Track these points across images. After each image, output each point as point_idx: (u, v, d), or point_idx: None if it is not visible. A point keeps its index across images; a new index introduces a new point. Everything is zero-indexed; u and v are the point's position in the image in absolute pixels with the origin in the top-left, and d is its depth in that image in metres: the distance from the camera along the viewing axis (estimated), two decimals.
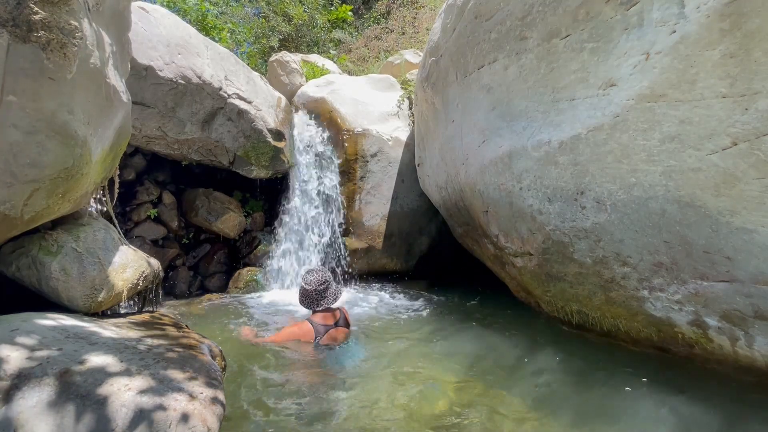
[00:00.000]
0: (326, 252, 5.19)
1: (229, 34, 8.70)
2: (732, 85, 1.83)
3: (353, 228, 5.25)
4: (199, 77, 4.21)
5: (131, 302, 2.46)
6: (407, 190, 5.39)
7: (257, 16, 9.50)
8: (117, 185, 2.75)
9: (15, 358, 1.36)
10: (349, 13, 10.06)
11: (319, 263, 5.13)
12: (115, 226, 2.60)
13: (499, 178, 3.05)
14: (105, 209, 2.67)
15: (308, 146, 5.39)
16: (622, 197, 2.28)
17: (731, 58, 1.82)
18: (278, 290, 4.85)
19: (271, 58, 6.41)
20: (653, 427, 1.83)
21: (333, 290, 2.70)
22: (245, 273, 4.90)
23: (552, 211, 2.68)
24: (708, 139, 1.92)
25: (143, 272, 2.39)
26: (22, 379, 1.29)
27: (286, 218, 5.27)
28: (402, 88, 6.15)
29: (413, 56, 6.97)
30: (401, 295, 4.50)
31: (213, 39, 7.41)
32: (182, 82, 4.10)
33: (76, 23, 1.66)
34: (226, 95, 4.43)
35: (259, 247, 5.19)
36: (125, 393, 1.33)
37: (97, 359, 1.46)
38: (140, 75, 3.87)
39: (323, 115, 5.57)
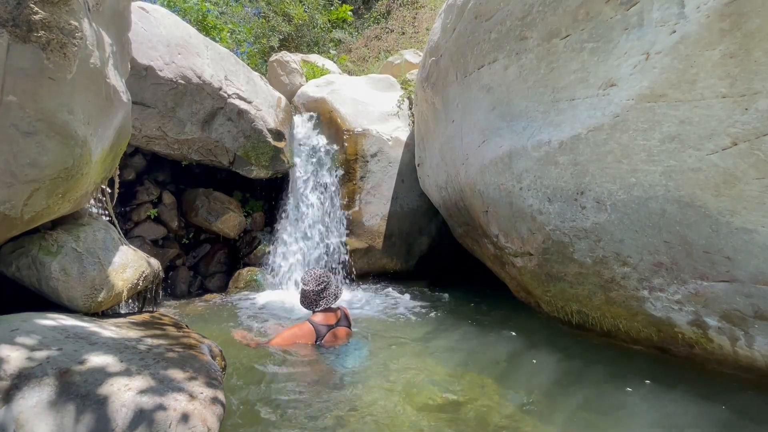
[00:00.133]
0: (326, 252, 5.19)
1: (229, 34, 8.70)
2: (732, 85, 1.83)
3: (353, 228, 5.25)
4: (199, 77, 4.21)
5: (131, 302, 2.46)
6: (407, 190, 5.39)
7: (257, 16, 9.50)
8: (117, 185, 2.75)
9: (15, 358, 1.36)
10: (349, 13, 10.06)
11: (319, 264, 5.13)
12: (115, 226, 2.60)
13: (499, 178, 3.05)
14: (105, 209, 2.67)
15: (308, 146, 5.39)
16: (622, 197, 2.28)
17: (731, 58, 1.82)
18: (278, 290, 4.85)
19: (271, 58, 6.41)
20: (653, 426, 1.83)
21: (332, 290, 2.70)
22: (245, 273, 4.90)
23: (552, 211, 2.68)
24: (708, 139, 1.92)
25: (143, 272, 2.39)
26: (22, 379, 1.29)
27: (285, 218, 5.27)
28: (402, 88, 6.15)
29: (413, 56, 6.97)
30: (401, 295, 4.50)
31: (213, 39, 7.41)
32: (182, 82, 4.10)
33: (76, 23, 1.66)
34: (226, 95, 4.43)
35: (259, 247, 5.20)
36: (125, 393, 1.33)
37: (97, 359, 1.46)
38: (140, 75, 3.87)
39: (323, 115, 5.57)
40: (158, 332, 1.97)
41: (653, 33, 2.07)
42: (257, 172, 4.97)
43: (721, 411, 1.88)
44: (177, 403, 1.35)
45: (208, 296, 4.60)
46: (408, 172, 5.40)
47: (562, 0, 2.47)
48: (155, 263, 2.62)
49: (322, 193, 5.30)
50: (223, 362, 2.05)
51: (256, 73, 5.24)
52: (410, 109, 5.83)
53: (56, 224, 2.20)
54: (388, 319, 3.55)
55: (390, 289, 4.88)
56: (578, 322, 2.94)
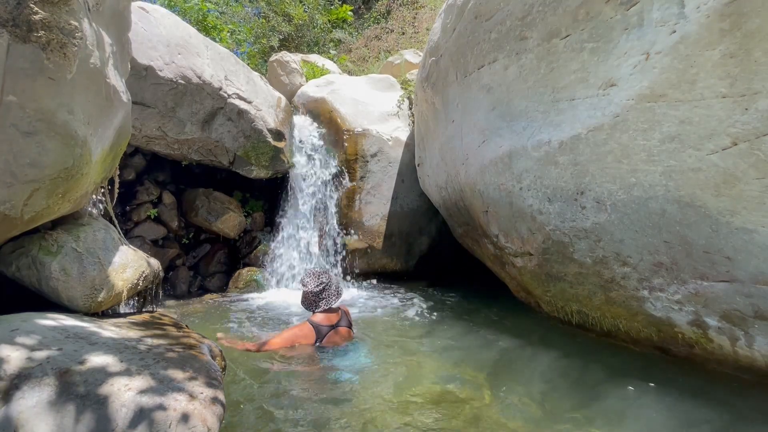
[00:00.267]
0: (326, 252, 5.19)
1: (229, 34, 8.70)
2: (732, 85, 1.83)
3: (353, 228, 5.25)
4: (199, 77, 4.21)
5: (131, 302, 2.46)
6: (407, 190, 5.39)
7: (257, 16, 9.50)
8: (117, 185, 2.75)
9: (15, 358, 1.35)
10: (350, 13, 10.05)
11: (319, 264, 5.13)
12: (115, 226, 2.60)
13: (499, 178, 3.05)
14: (105, 209, 2.67)
15: (308, 146, 5.39)
16: (622, 197, 2.28)
17: (731, 58, 1.82)
18: (278, 290, 4.85)
19: (271, 58, 6.41)
20: (653, 426, 1.83)
21: (332, 291, 2.69)
22: (245, 273, 4.90)
23: (552, 211, 2.68)
24: (708, 139, 1.92)
25: (143, 272, 2.39)
26: (22, 379, 1.29)
27: (285, 218, 5.27)
28: (402, 88, 6.15)
29: (413, 56, 6.97)
30: (401, 295, 4.50)
31: (213, 39, 7.41)
32: (182, 82, 4.10)
33: (76, 23, 1.66)
34: (226, 95, 4.43)
35: (259, 247, 5.20)
36: (125, 393, 1.33)
37: (97, 359, 1.46)
38: (140, 75, 3.87)
39: (323, 115, 5.57)
40: (158, 332, 1.97)
41: (653, 33, 2.07)
42: (257, 172, 4.97)
43: (721, 411, 1.88)
44: (177, 403, 1.35)
45: (208, 296, 4.60)
46: (408, 172, 5.40)
47: (562, 0, 2.47)
48: (155, 263, 2.62)
49: (321, 193, 5.30)
50: (223, 362, 2.05)
51: (256, 73, 5.24)
52: (410, 109, 5.83)
53: (56, 224, 2.20)
54: (387, 319, 3.55)
55: (390, 289, 4.88)
56: (578, 322, 2.94)
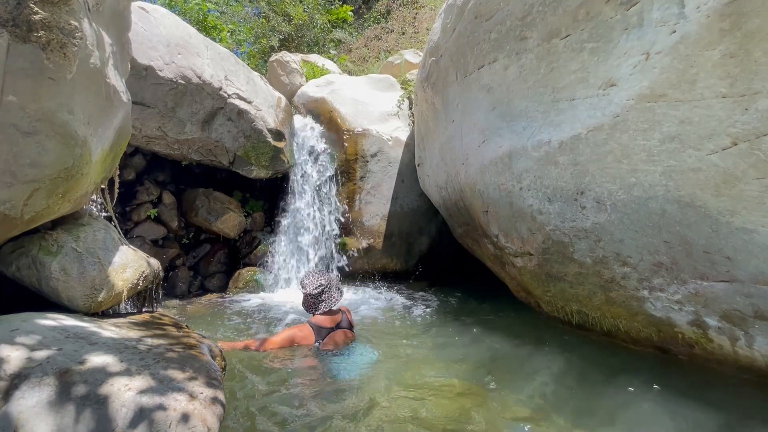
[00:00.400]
0: (326, 252, 5.19)
1: (229, 34, 8.70)
2: (732, 85, 1.83)
3: (353, 228, 5.25)
4: (199, 77, 4.21)
5: (131, 302, 2.46)
6: (407, 190, 5.39)
7: (257, 16, 9.51)
8: (117, 185, 2.75)
9: (15, 358, 1.36)
10: (350, 13, 10.05)
11: (319, 264, 5.13)
12: (115, 226, 2.60)
13: (499, 178, 3.05)
14: (105, 209, 2.67)
15: (308, 146, 5.39)
16: (622, 197, 2.28)
17: (731, 58, 1.82)
18: (278, 290, 4.85)
19: (271, 58, 6.41)
20: (653, 426, 1.83)
21: (331, 293, 2.68)
22: (245, 273, 4.90)
23: (552, 211, 2.68)
24: (708, 139, 1.92)
25: (143, 272, 2.39)
26: (22, 379, 1.29)
27: (285, 218, 5.27)
28: (402, 88, 6.16)
29: (413, 56, 6.97)
30: (401, 296, 4.50)
31: (213, 39, 7.41)
32: (182, 82, 4.10)
33: (76, 23, 1.66)
34: (226, 95, 4.43)
35: (259, 247, 5.20)
36: (125, 393, 1.33)
37: (97, 359, 1.46)
38: (140, 75, 3.87)
39: (323, 115, 5.57)
40: (158, 332, 1.97)
41: (653, 33, 2.07)
42: (257, 172, 4.98)
43: (721, 411, 1.88)
44: (177, 403, 1.35)
45: (208, 296, 4.60)
46: (408, 172, 5.40)
47: (562, 0, 2.47)
48: (155, 263, 2.62)
49: (321, 193, 5.30)
50: (223, 362, 2.05)
51: (256, 73, 5.24)
52: (410, 109, 5.83)
53: (56, 224, 2.20)
54: (387, 320, 3.55)
55: (390, 289, 4.89)
56: (578, 322, 2.94)
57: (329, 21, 9.61)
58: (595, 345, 2.74)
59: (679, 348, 2.39)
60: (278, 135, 4.98)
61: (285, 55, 6.36)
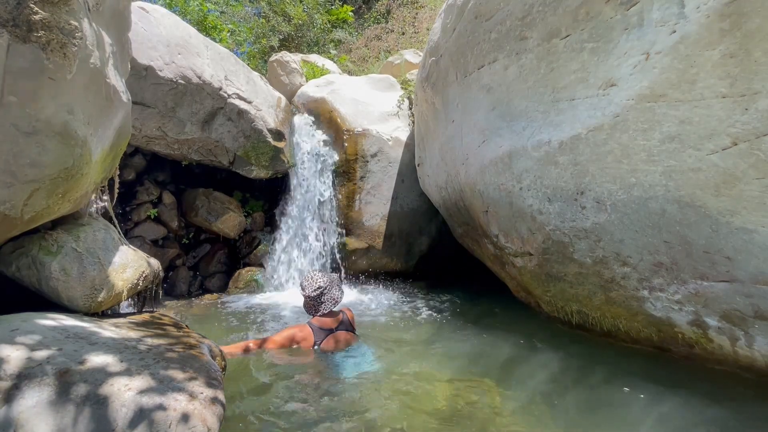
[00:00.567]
0: (326, 252, 5.19)
1: (229, 34, 8.70)
2: (732, 85, 1.83)
3: (353, 228, 5.25)
4: (199, 77, 4.21)
5: (131, 302, 2.46)
6: (407, 190, 5.39)
7: (257, 15, 9.51)
8: (117, 185, 2.75)
9: (15, 358, 1.36)
10: (350, 13, 10.05)
11: (319, 264, 5.13)
12: (115, 226, 2.60)
13: (499, 178, 3.05)
14: (105, 209, 2.67)
15: (308, 146, 5.39)
16: (622, 197, 2.28)
17: (731, 58, 1.82)
18: (278, 290, 4.85)
19: (271, 58, 6.41)
20: (653, 426, 1.83)
21: (331, 295, 2.67)
22: (245, 273, 4.90)
23: (552, 211, 2.68)
24: (708, 139, 1.92)
25: (143, 272, 2.39)
26: (22, 379, 1.29)
27: (285, 218, 5.27)
28: (402, 88, 6.15)
29: (413, 56, 6.97)
30: (401, 296, 4.50)
31: (213, 39, 7.41)
32: (182, 82, 4.10)
33: (76, 23, 1.66)
34: (226, 95, 4.43)
35: (259, 247, 5.20)
36: (125, 393, 1.33)
37: (97, 359, 1.46)
38: (140, 75, 3.87)
39: (323, 115, 5.57)
40: (158, 332, 1.97)
41: (653, 33, 2.07)
42: (257, 172, 4.98)
43: (721, 411, 1.88)
44: (177, 403, 1.35)
45: (208, 296, 4.60)
46: (408, 172, 5.40)
47: (562, 0, 2.47)
48: (155, 263, 2.62)
49: (321, 193, 5.30)
50: (223, 362, 2.05)
51: (256, 73, 5.24)
52: (410, 109, 5.83)
53: (56, 224, 2.20)
54: (387, 320, 3.55)
55: (390, 289, 4.89)
56: (578, 322, 2.94)
57: (329, 21, 9.61)
58: (595, 345, 2.74)
59: (679, 348, 2.39)
60: (278, 135, 4.98)
61: (285, 55, 6.36)
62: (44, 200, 1.82)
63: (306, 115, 5.64)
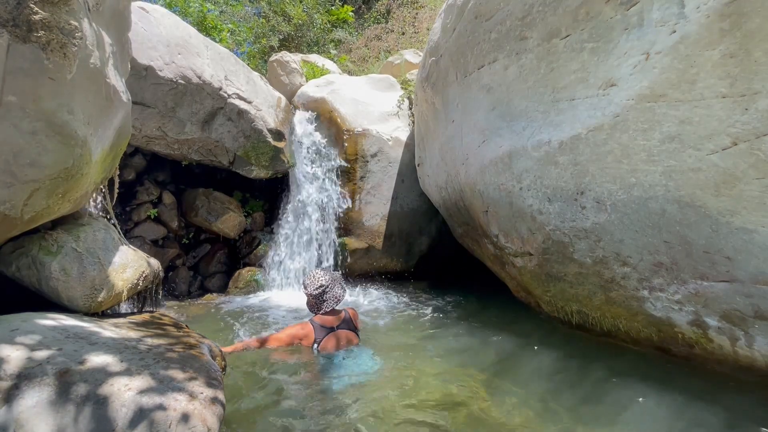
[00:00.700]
0: (326, 252, 5.19)
1: (229, 34, 8.70)
2: (732, 85, 1.83)
3: (353, 228, 5.25)
4: (199, 77, 4.21)
5: (131, 302, 2.46)
6: (407, 190, 5.39)
7: (257, 15, 9.51)
8: (117, 185, 2.75)
9: (15, 358, 1.36)
10: (351, 13, 10.05)
11: (319, 264, 5.13)
12: (115, 226, 2.61)
13: (499, 178, 3.05)
14: (105, 209, 2.67)
15: (308, 146, 5.39)
16: (622, 197, 2.28)
17: (731, 58, 1.82)
18: (278, 290, 4.85)
19: (271, 58, 6.41)
20: (653, 426, 1.83)
21: (333, 294, 2.68)
22: (245, 273, 4.90)
23: (552, 211, 2.68)
24: (708, 139, 1.92)
25: (143, 272, 2.39)
26: (22, 379, 1.29)
27: (285, 218, 5.27)
28: (402, 88, 6.15)
29: (413, 56, 6.97)
30: (401, 296, 4.50)
31: (213, 39, 7.41)
32: (182, 82, 4.10)
33: (76, 23, 1.66)
34: (226, 95, 4.43)
35: (259, 247, 5.20)
36: (125, 393, 1.33)
37: (97, 359, 1.46)
38: (140, 75, 3.87)
39: (323, 115, 5.57)
40: (158, 332, 1.97)
41: (653, 33, 2.07)
42: (257, 172, 4.98)
43: (721, 411, 1.88)
44: (177, 403, 1.35)
45: (208, 296, 4.60)
46: (408, 172, 5.40)
47: (562, 0, 2.47)
48: (155, 263, 2.62)
49: (321, 193, 5.30)
50: (223, 362, 2.05)
51: (256, 73, 5.24)
52: (410, 109, 5.83)
53: (56, 224, 2.20)
54: (387, 320, 3.55)
55: (390, 289, 4.88)
56: (578, 322, 2.94)
57: (329, 21, 9.61)
58: (595, 345, 2.74)
59: (679, 348, 2.39)
60: (278, 135, 4.98)
61: (285, 55, 6.36)
62: (44, 200, 1.82)
63: (306, 115, 5.64)
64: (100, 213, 2.68)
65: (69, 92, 1.72)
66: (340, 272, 5.09)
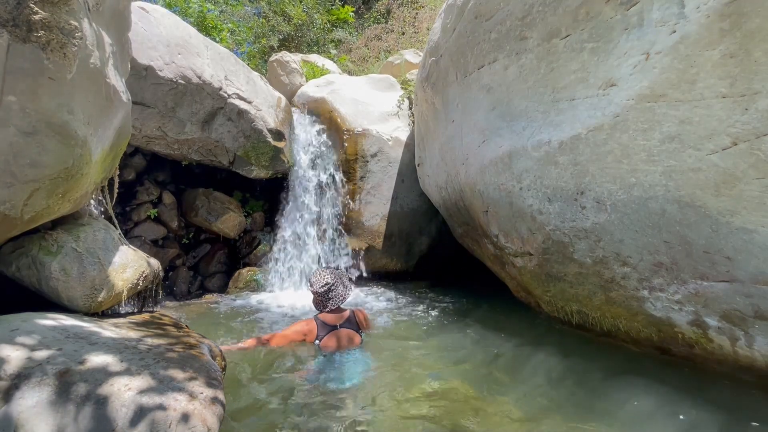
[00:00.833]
0: (325, 252, 5.19)
1: (229, 34, 8.70)
2: (732, 85, 1.83)
3: (353, 228, 5.25)
4: (199, 77, 4.21)
5: (131, 302, 2.46)
6: (407, 190, 5.39)
7: (257, 15, 9.51)
8: (117, 185, 2.75)
9: (15, 358, 1.36)
10: (351, 14, 10.05)
11: (318, 264, 5.13)
12: (115, 226, 2.61)
13: (499, 178, 3.05)
14: (105, 209, 2.67)
15: (308, 146, 5.39)
16: (622, 197, 2.28)
17: (731, 58, 1.82)
18: (278, 290, 4.85)
19: (271, 58, 6.41)
20: (653, 427, 1.83)
21: (338, 292, 2.71)
22: (245, 273, 4.90)
23: (552, 211, 2.68)
24: (708, 139, 1.92)
25: (143, 272, 2.39)
26: (22, 379, 1.29)
27: (285, 218, 5.27)
28: (402, 88, 6.15)
29: (413, 56, 6.97)
30: (401, 296, 4.50)
31: (213, 39, 7.41)
32: (182, 82, 4.10)
33: (76, 23, 1.66)
34: (226, 95, 4.43)
35: (259, 247, 5.20)
36: (125, 393, 1.33)
37: (97, 359, 1.46)
38: (140, 75, 3.87)
39: (323, 115, 5.57)
40: (158, 332, 1.97)
41: (653, 33, 2.07)
42: (257, 172, 4.97)
43: (720, 411, 1.88)
44: (177, 403, 1.35)
45: (208, 296, 4.60)
46: (408, 172, 5.40)
47: (562, 0, 2.47)
48: (155, 263, 2.62)
49: (321, 193, 5.30)
50: (223, 362, 2.05)
51: (256, 73, 5.24)
52: (410, 109, 5.83)
53: (56, 224, 2.20)
54: (387, 320, 3.55)
55: (390, 289, 4.88)
56: (578, 322, 2.94)
57: (329, 21, 9.61)
58: (595, 345, 2.74)
59: (679, 348, 2.39)
60: (278, 135, 4.98)
61: (285, 55, 6.36)
62: (44, 200, 1.82)
63: (306, 115, 5.64)
64: (100, 213, 2.68)
65: (69, 92, 1.72)
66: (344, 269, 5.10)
